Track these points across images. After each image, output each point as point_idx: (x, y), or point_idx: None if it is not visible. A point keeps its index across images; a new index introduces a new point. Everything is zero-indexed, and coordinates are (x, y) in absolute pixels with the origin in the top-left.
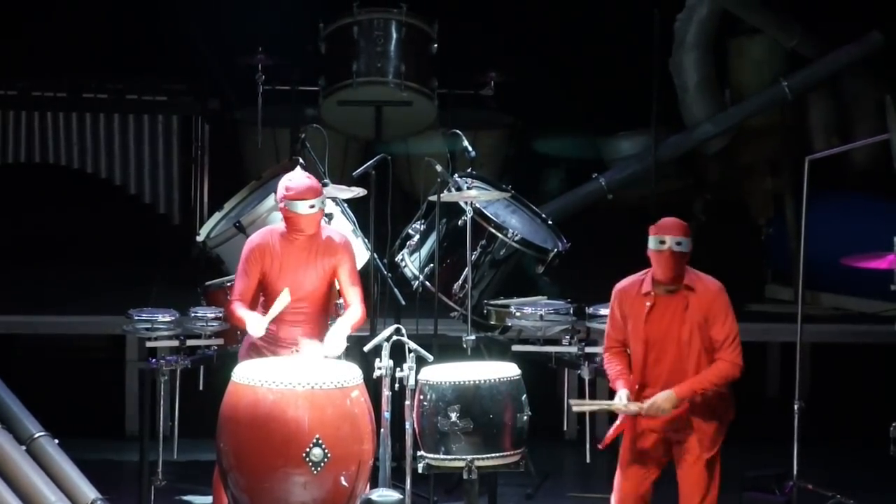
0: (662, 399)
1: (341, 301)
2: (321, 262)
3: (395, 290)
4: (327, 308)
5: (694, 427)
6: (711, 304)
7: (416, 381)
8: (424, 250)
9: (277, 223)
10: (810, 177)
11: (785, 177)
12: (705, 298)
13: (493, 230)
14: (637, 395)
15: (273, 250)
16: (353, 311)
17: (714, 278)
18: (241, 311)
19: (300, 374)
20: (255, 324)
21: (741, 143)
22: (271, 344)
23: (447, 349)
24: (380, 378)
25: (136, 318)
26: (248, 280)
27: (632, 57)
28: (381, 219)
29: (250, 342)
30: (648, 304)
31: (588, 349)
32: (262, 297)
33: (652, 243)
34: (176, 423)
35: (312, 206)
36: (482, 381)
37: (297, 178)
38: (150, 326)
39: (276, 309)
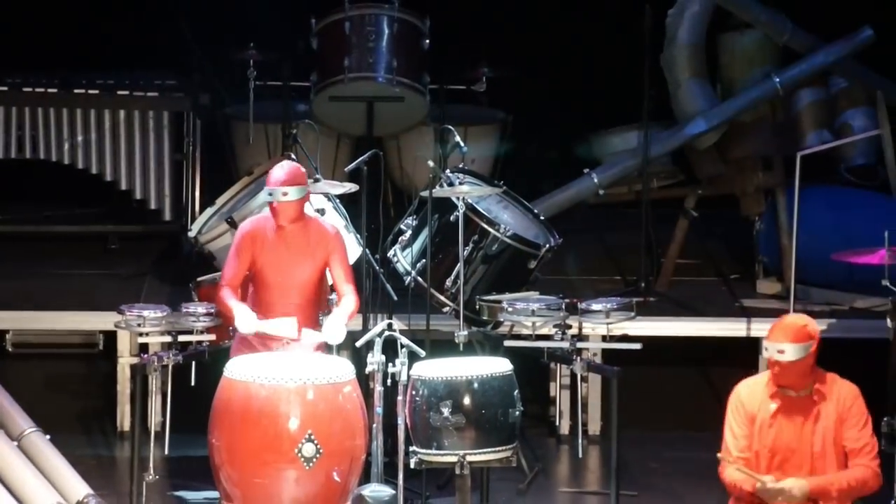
0: (794, 485)
1: (333, 297)
2: (312, 253)
3: (388, 285)
4: (318, 301)
5: None
6: (847, 409)
7: (409, 376)
8: (416, 246)
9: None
10: (802, 172)
11: (776, 172)
12: (839, 404)
13: (485, 225)
14: None
15: (265, 238)
16: (348, 301)
17: (850, 382)
18: (231, 301)
19: (292, 370)
20: (245, 321)
21: (732, 138)
22: (263, 337)
23: (439, 344)
24: (372, 373)
25: (128, 313)
26: (237, 265)
27: (623, 52)
28: (374, 214)
29: (242, 336)
30: (774, 405)
31: (580, 344)
32: (252, 286)
33: (764, 347)
34: (167, 418)
35: (281, 195)
36: (474, 377)
37: (276, 167)
38: (141, 322)
39: (272, 329)
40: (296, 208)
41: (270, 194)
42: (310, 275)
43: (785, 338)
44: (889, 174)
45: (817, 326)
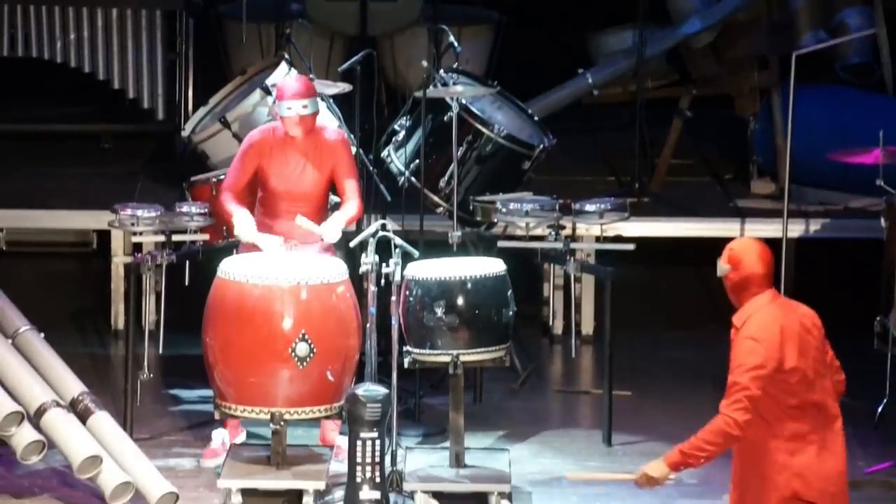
0: (651, 468)
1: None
2: (319, 161)
3: (381, 185)
4: (325, 208)
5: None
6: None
7: (402, 276)
8: (410, 146)
9: (264, 118)
10: (797, 71)
11: (771, 71)
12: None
13: (479, 126)
14: None
15: (272, 147)
16: (350, 205)
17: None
18: (231, 205)
19: (286, 270)
20: (244, 228)
21: (728, 37)
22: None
23: (433, 245)
24: (365, 273)
25: (122, 212)
26: (240, 173)
27: None
28: (367, 114)
29: None
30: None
31: (573, 245)
32: (261, 192)
33: None
34: (161, 317)
35: (301, 108)
36: (468, 277)
37: (286, 81)
38: (135, 221)
39: (263, 243)
40: (313, 120)
41: (289, 108)
42: (317, 184)
43: None
44: (885, 73)
45: None
